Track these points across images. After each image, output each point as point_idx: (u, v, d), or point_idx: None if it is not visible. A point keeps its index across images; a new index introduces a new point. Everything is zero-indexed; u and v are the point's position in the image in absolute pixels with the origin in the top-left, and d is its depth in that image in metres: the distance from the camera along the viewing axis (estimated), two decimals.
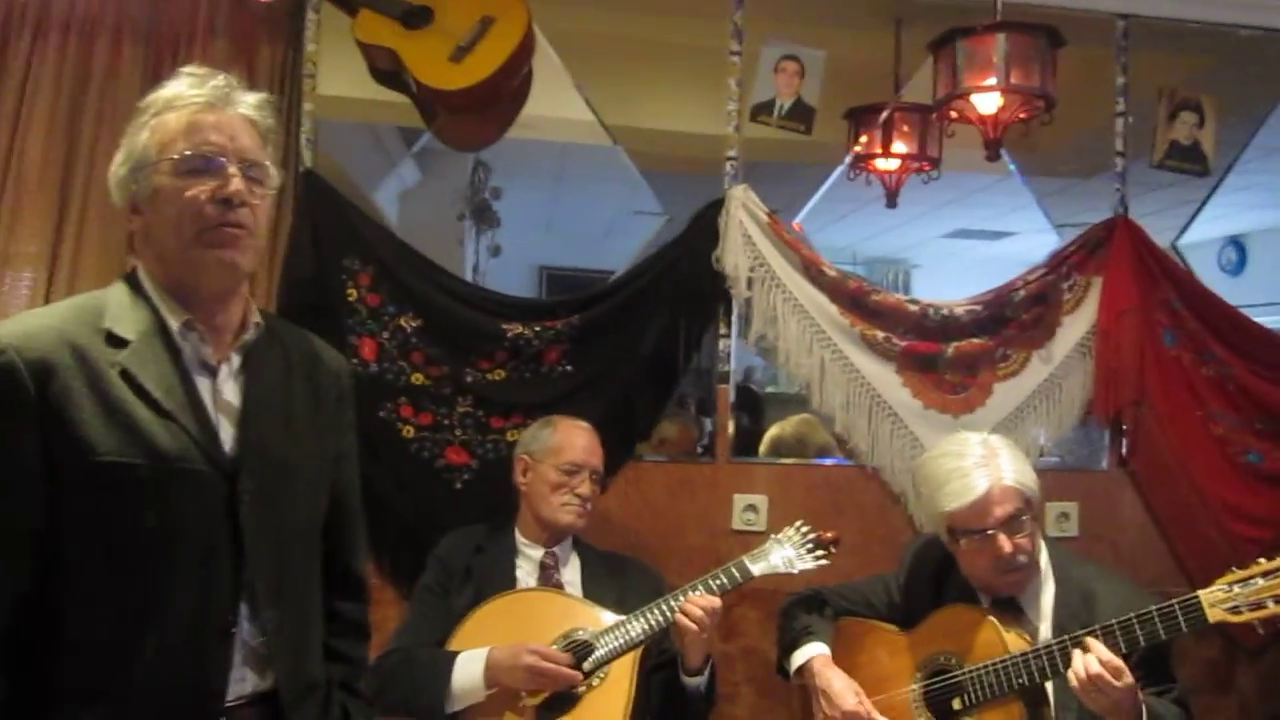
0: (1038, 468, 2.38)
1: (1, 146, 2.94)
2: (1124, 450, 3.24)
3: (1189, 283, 3.24)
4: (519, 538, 2.61)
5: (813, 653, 2.39)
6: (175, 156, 1.49)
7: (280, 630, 1.53)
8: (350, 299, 2.96)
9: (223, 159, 1.50)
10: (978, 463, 2.23)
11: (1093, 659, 1.99)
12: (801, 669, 2.40)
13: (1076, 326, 3.20)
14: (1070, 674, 2.02)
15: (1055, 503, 3.20)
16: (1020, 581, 2.25)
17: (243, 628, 1.50)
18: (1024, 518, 2.21)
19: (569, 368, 3.04)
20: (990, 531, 2.18)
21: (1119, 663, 1.98)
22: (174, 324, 1.52)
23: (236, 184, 1.50)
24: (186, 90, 1.54)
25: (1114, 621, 2.05)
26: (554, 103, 3.16)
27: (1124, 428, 3.21)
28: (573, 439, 2.61)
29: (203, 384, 1.53)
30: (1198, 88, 3.35)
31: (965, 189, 3.47)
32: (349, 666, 1.74)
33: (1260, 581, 1.95)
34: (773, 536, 2.51)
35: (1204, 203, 3.36)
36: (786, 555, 2.46)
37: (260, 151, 1.56)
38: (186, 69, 1.59)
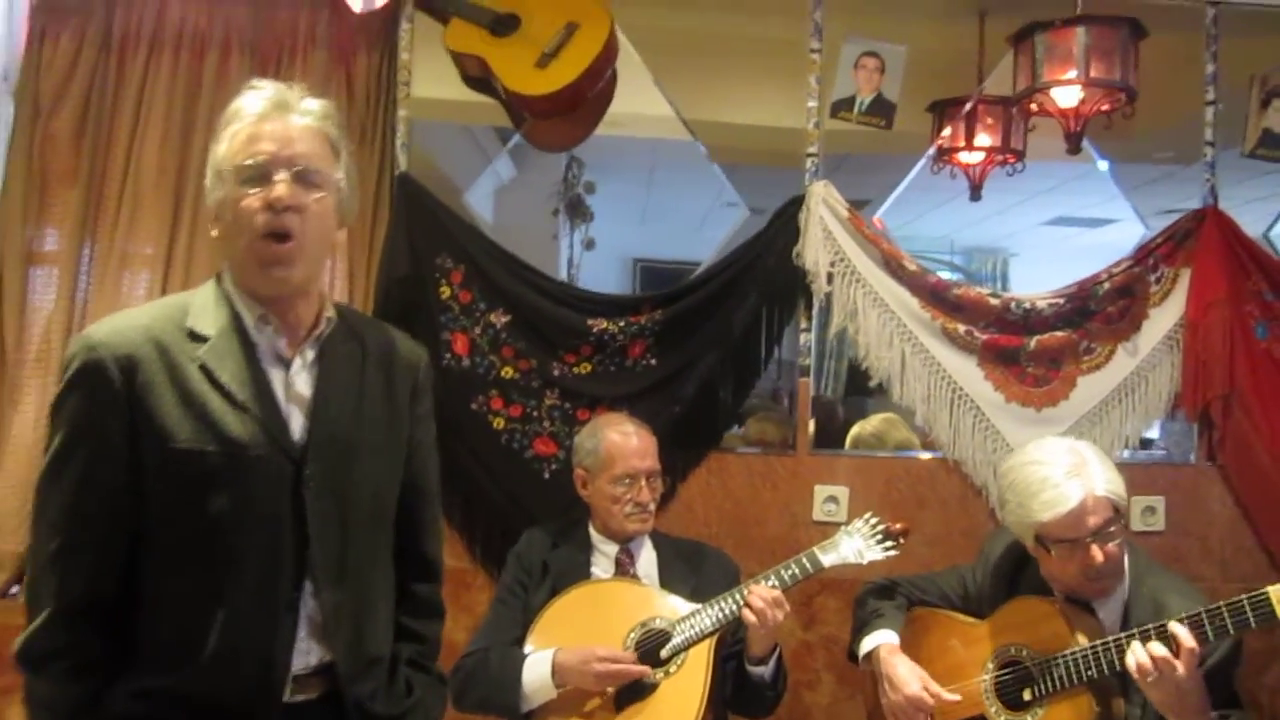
0: (1124, 463, 2.35)
1: (120, 155, 3.16)
2: (1213, 444, 3.20)
3: None
4: (593, 534, 2.66)
5: (880, 640, 2.43)
6: (235, 166, 1.60)
7: (340, 607, 1.63)
8: (443, 296, 3.10)
9: (270, 166, 1.60)
10: (1069, 472, 2.19)
11: (1155, 645, 1.99)
12: (870, 655, 2.44)
13: (1164, 319, 3.18)
14: (1130, 657, 2.02)
15: (1141, 496, 3.18)
16: (1106, 589, 2.24)
17: (306, 603, 1.61)
18: (1114, 527, 2.19)
19: (653, 361, 3.13)
20: (1083, 541, 2.16)
21: (1190, 644, 1.96)
22: (249, 319, 1.64)
23: (280, 190, 1.58)
24: (247, 104, 1.65)
25: (1184, 615, 2.02)
26: (640, 100, 3.26)
27: (1212, 422, 3.17)
28: (623, 448, 2.60)
29: (275, 376, 1.65)
30: None
31: (1063, 176, 3.44)
32: (420, 645, 1.84)
33: None
34: (843, 528, 2.54)
35: None
36: (856, 546, 2.49)
37: (317, 157, 1.63)
38: (251, 82, 1.69)
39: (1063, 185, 3.49)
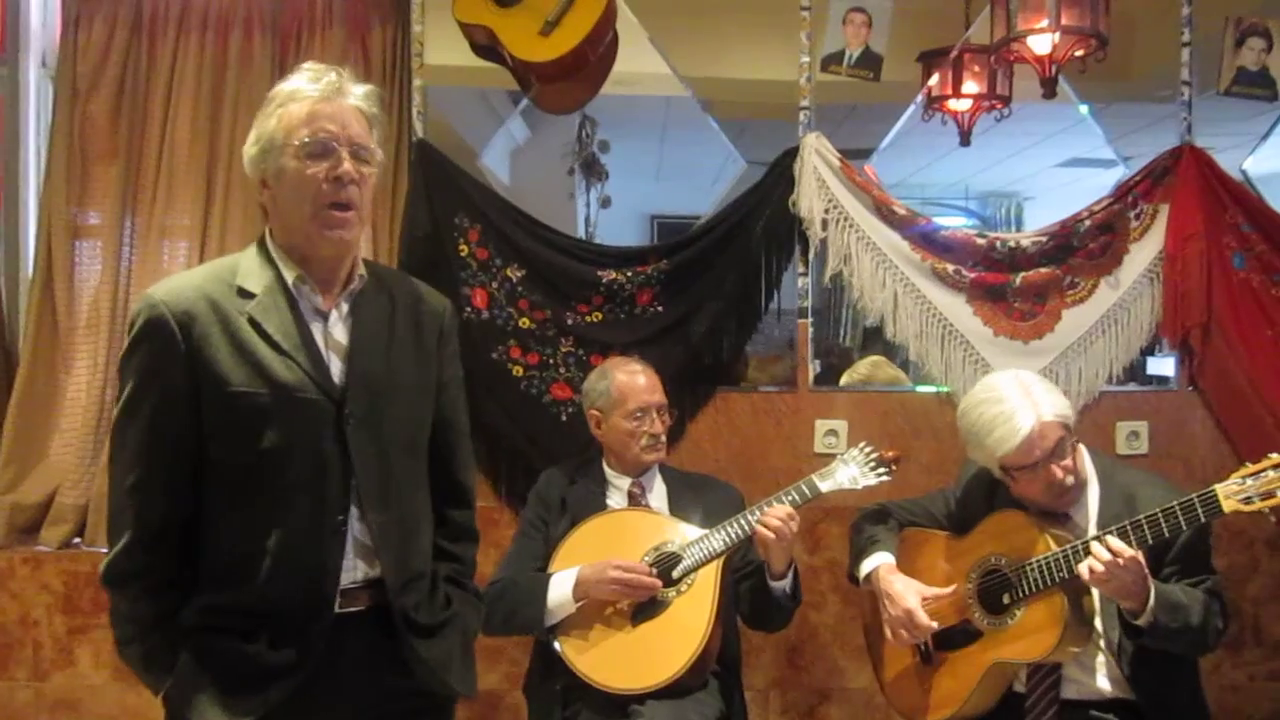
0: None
1: (155, 132, 3.37)
2: (1193, 370, 3.34)
3: (1258, 206, 3.30)
4: (607, 470, 2.84)
5: (879, 561, 2.61)
6: (297, 143, 1.79)
7: (384, 529, 1.83)
8: (462, 253, 3.30)
9: (335, 144, 1.79)
10: (1016, 405, 2.36)
11: (1100, 549, 2.20)
12: (869, 575, 2.63)
13: (1144, 253, 3.32)
14: (1082, 568, 2.23)
15: (1126, 421, 3.36)
16: (1071, 500, 2.44)
17: (353, 526, 1.80)
18: (1066, 444, 2.38)
19: (660, 308, 3.32)
20: (1040, 464, 2.36)
21: (1129, 552, 2.18)
22: (290, 279, 1.83)
23: (347, 165, 1.78)
24: (306, 84, 1.83)
25: (1141, 516, 2.23)
26: (647, 60, 3.42)
27: (1192, 349, 3.31)
28: (632, 384, 2.78)
29: (315, 327, 1.84)
30: (1265, 13, 3.39)
31: (1075, 117, 3.55)
32: (457, 564, 2.04)
33: (1271, 474, 2.13)
34: (839, 457, 2.71)
35: (1273, 127, 3.41)
36: (851, 473, 2.66)
37: (367, 136, 1.82)
38: (306, 65, 1.88)
39: (1075, 126, 3.59)
